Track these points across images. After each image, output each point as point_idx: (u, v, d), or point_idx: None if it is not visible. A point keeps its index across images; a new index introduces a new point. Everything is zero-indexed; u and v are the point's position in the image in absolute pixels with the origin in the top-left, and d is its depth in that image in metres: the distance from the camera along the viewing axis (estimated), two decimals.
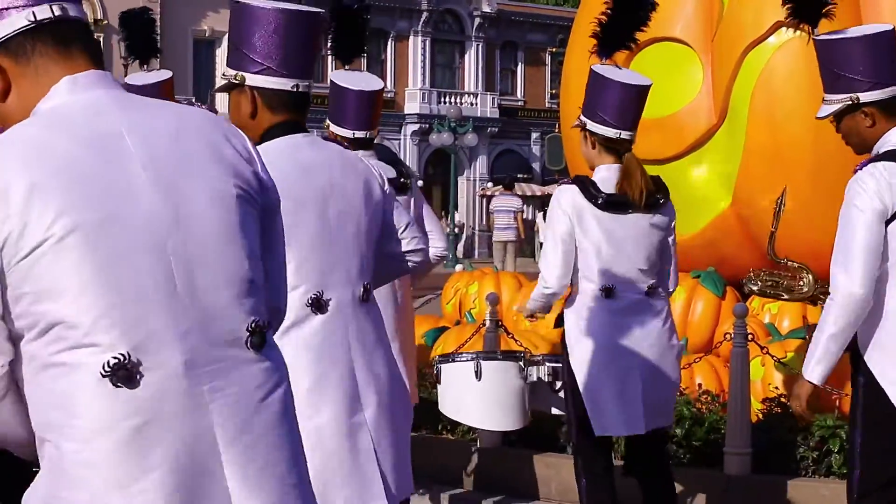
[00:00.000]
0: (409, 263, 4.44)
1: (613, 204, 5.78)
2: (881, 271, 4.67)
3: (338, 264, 4.21)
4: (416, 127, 53.60)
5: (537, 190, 52.17)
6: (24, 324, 2.33)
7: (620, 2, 6.16)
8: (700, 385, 7.72)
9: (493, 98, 56.16)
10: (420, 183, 44.14)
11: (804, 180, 8.36)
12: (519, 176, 51.91)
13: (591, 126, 5.84)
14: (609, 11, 6.20)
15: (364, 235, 4.28)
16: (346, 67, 6.57)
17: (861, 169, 4.80)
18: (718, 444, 7.13)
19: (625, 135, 5.85)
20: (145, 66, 6.92)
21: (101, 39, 44.52)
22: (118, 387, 2.32)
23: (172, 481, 2.33)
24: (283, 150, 4.20)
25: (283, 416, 2.53)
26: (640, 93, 5.93)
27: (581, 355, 5.76)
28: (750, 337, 7.15)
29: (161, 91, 6.51)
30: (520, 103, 57.73)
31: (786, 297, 6.30)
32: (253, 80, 4.21)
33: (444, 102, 53.60)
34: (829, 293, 4.77)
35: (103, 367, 2.31)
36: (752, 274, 6.84)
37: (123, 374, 2.32)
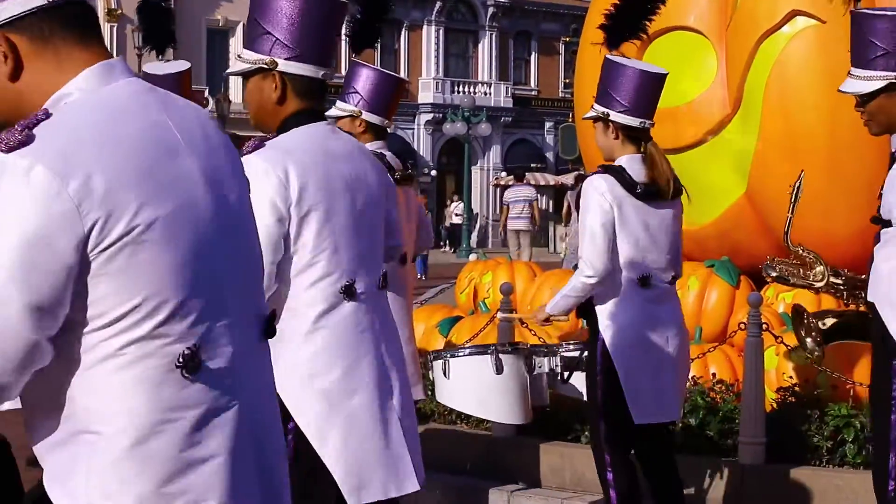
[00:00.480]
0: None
1: (648, 193, 5.82)
2: None
3: (365, 252, 4.29)
4: (429, 116, 53.59)
5: (551, 179, 52.15)
6: (93, 313, 2.33)
7: None
8: (714, 375, 7.72)
9: (507, 87, 56.13)
10: (433, 173, 43.88)
11: (818, 169, 8.33)
12: (532, 165, 51.95)
13: (616, 116, 5.84)
14: (618, 3, 6.21)
15: (380, 225, 4.39)
16: (353, 57, 6.59)
17: None
18: (733, 433, 7.13)
19: (647, 124, 5.88)
20: (160, 56, 6.91)
21: (115, 29, 44.56)
22: (185, 377, 2.38)
23: (229, 467, 2.43)
24: (314, 138, 4.24)
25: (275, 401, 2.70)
26: (661, 81, 5.96)
27: (618, 344, 5.78)
28: (764, 326, 7.14)
29: (180, 82, 6.51)
30: (533, 93, 57.68)
31: (801, 284, 6.28)
32: (286, 65, 4.19)
33: (458, 92, 53.57)
34: (845, 283, 4.77)
35: (178, 358, 2.37)
36: (770, 260, 6.81)
37: (192, 365, 2.37)
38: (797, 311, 5.20)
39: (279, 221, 4.07)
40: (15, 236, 2.25)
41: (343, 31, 6.04)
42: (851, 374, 7.18)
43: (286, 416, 4.14)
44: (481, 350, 6.66)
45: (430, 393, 8.28)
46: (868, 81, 5.06)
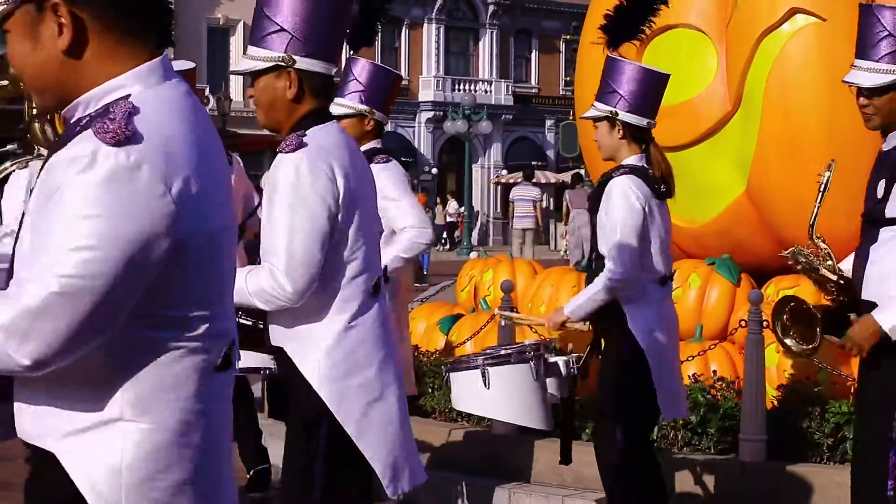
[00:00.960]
0: None
1: (663, 193, 5.87)
2: None
3: (379, 251, 4.44)
4: (430, 114, 53.58)
5: (552, 177, 52.13)
6: (156, 309, 2.39)
7: None
8: (715, 372, 7.72)
9: (508, 85, 56.11)
10: (434, 171, 43.93)
11: (819, 167, 8.30)
12: (533, 163, 51.89)
13: (625, 116, 5.85)
14: (619, 3, 6.21)
15: (379, 224, 4.49)
16: (351, 54, 6.55)
17: None
18: (733, 430, 7.14)
19: (651, 124, 5.92)
20: None
21: None
22: (218, 373, 2.50)
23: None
24: (337, 137, 4.28)
25: None
26: (665, 82, 6.02)
27: (650, 343, 5.83)
28: (765, 324, 7.14)
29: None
30: (534, 91, 57.67)
31: (820, 277, 6.17)
32: (303, 63, 4.19)
33: (459, 90, 53.56)
34: (841, 282, 4.77)
35: (217, 357, 2.49)
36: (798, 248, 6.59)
37: (224, 363, 2.49)
38: (776, 310, 5.20)
39: (329, 219, 4.13)
40: (116, 230, 2.28)
41: None
42: (851, 371, 7.19)
43: (304, 410, 4.21)
44: (523, 358, 6.33)
45: (431, 391, 8.30)
46: (877, 74, 5.05)
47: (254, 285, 4.16)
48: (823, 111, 8.41)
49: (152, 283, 2.35)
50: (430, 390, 8.34)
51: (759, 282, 8.60)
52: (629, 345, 5.81)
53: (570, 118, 37.02)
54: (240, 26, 47.94)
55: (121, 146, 2.30)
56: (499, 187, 54.27)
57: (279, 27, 4.16)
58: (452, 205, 45.50)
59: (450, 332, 9.20)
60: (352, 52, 6.55)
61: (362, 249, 4.23)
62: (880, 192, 5.09)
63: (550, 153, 56.53)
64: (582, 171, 24.51)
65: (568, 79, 53.53)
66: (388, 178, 5.98)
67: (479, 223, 51.90)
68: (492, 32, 56.13)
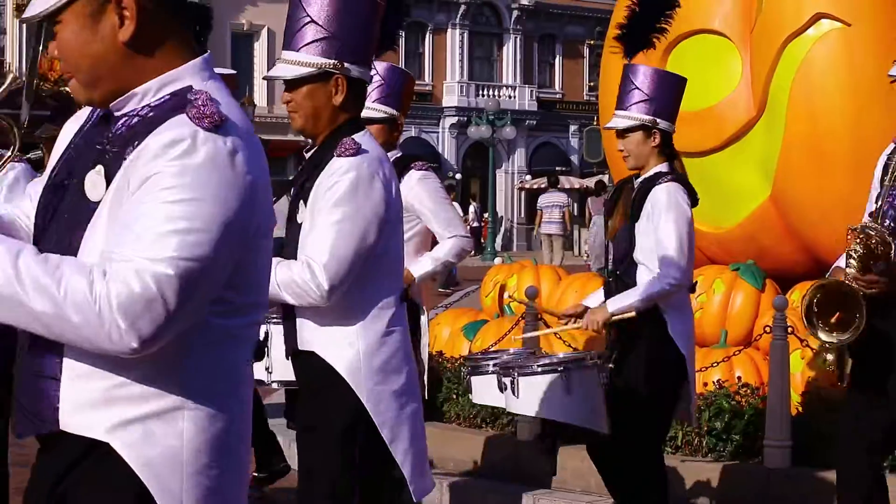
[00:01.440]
0: None
1: (696, 201, 5.93)
2: None
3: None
4: (454, 120, 53.57)
5: (576, 183, 52.08)
6: (232, 294, 2.46)
7: (644, 1, 6.16)
8: (739, 378, 7.70)
9: (532, 91, 56.08)
10: (458, 177, 43.94)
11: (844, 172, 8.32)
12: (557, 169, 51.86)
13: (663, 125, 5.86)
14: (632, 11, 6.20)
15: None
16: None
17: None
18: (758, 437, 7.12)
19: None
20: None
21: None
22: (248, 363, 2.59)
23: None
24: (382, 149, 4.36)
25: None
26: (685, 87, 6.07)
27: (688, 349, 5.86)
28: (790, 329, 7.13)
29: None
30: (558, 96, 57.62)
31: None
32: (353, 70, 4.23)
33: (483, 95, 53.56)
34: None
35: (254, 347, 2.57)
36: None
37: (259, 353, 2.56)
38: (807, 302, 5.17)
39: (378, 226, 4.18)
40: (218, 213, 2.34)
41: None
42: None
43: (340, 415, 4.24)
44: (602, 363, 6.02)
45: (456, 397, 8.28)
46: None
47: (284, 276, 4.16)
48: (848, 116, 8.39)
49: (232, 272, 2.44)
50: (454, 396, 8.34)
51: (783, 287, 8.57)
52: (672, 350, 5.80)
53: (595, 123, 36.99)
54: (264, 32, 48.02)
55: (217, 131, 2.36)
56: (522, 193, 54.23)
57: (328, 34, 4.17)
58: (472, 207, 45.26)
59: (474, 337, 9.20)
60: (374, 57, 6.53)
61: (397, 259, 4.30)
62: None
63: (574, 158, 56.46)
64: (605, 178, 24.56)
65: (592, 84, 53.47)
66: (429, 187, 5.97)
67: (503, 229, 51.87)
68: (516, 38, 56.11)
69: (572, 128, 56.81)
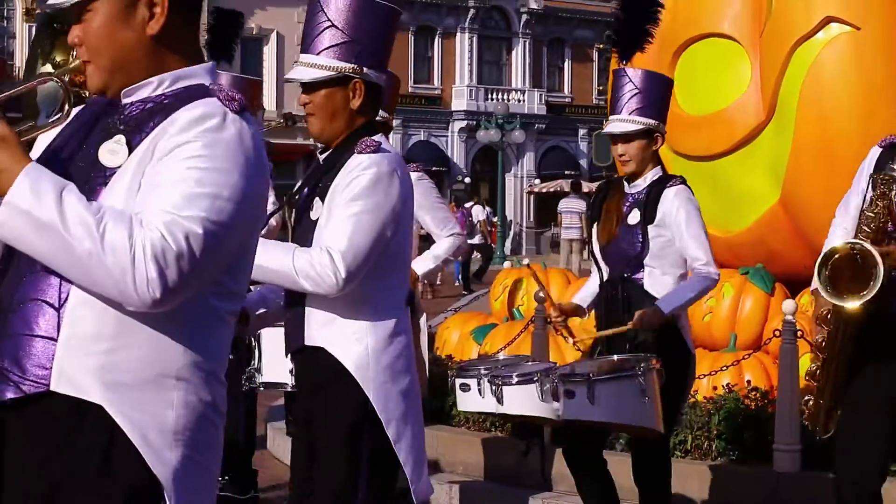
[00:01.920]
0: None
1: None
2: None
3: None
4: (463, 124, 53.58)
5: (585, 187, 52.07)
6: (228, 279, 2.58)
7: (627, 4, 6.16)
8: (749, 382, 7.70)
9: (541, 95, 56.07)
10: (467, 181, 43.95)
11: (853, 175, 8.31)
12: (566, 172, 51.88)
13: (661, 128, 5.90)
14: (618, 14, 6.21)
15: None
16: None
17: None
18: (768, 440, 7.11)
19: None
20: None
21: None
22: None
23: None
24: (398, 151, 4.40)
25: None
26: None
27: (693, 354, 5.89)
28: (799, 333, 7.12)
29: (249, 91, 6.50)
30: (567, 100, 57.61)
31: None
32: (371, 74, 4.28)
33: (492, 99, 53.55)
34: None
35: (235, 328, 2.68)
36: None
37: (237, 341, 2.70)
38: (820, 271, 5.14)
39: (394, 225, 4.21)
40: (242, 187, 2.47)
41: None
42: None
43: (346, 413, 4.23)
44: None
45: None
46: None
47: (302, 262, 4.17)
48: (858, 120, 8.39)
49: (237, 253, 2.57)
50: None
51: (792, 291, 8.57)
52: (690, 354, 5.84)
53: (603, 127, 36.97)
54: (273, 36, 48.06)
55: (242, 115, 2.52)
56: (532, 197, 54.22)
57: (348, 38, 4.21)
58: (477, 209, 44.68)
59: (483, 341, 9.21)
60: None
61: (406, 257, 4.35)
62: None
63: (583, 162, 56.43)
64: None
65: (601, 88, 53.45)
66: (424, 188, 6.11)
67: (511, 233, 51.85)
68: (525, 42, 56.11)
69: (581, 132, 56.79)
